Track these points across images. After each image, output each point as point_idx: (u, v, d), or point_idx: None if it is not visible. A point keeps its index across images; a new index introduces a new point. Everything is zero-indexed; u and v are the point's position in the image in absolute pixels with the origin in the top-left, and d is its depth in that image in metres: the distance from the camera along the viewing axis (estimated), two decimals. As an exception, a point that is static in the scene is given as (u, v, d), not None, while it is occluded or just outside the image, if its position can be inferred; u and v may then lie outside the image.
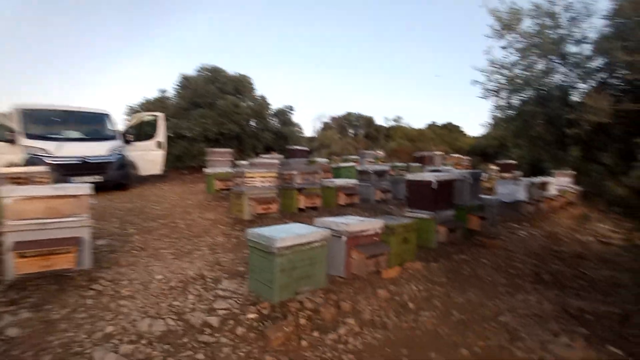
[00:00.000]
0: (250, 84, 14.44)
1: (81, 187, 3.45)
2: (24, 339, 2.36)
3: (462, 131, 30.64)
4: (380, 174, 8.28)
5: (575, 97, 9.40)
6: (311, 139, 21.98)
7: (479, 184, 6.08)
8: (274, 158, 9.40)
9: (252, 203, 5.64)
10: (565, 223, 7.42)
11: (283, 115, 15.03)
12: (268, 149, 13.24)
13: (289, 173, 6.49)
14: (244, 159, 10.73)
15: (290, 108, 15.27)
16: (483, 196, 6.24)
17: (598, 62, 8.89)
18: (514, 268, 4.53)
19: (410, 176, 5.47)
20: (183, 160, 12.03)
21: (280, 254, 2.86)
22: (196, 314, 2.79)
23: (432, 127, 30.21)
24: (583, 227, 7.17)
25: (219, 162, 8.87)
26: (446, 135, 27.91)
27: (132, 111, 13.86)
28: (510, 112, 10.41)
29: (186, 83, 13.71)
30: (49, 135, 7.56)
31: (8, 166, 6.29)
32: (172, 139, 11.59)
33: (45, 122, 7.93)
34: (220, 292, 3.18)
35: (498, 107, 10.39)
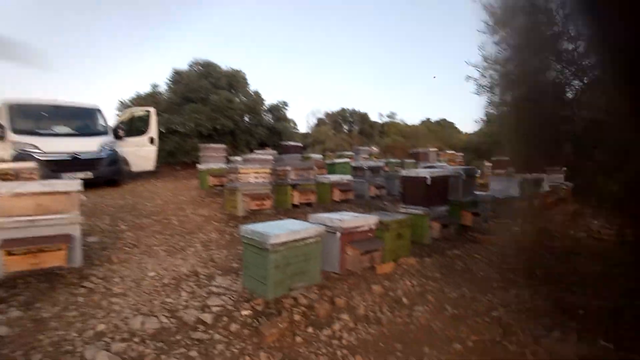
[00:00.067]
0: (244, 79, 14.31)
1: (71, 183, 3.40)
2: (14, 338, 2.32)
3: (456, 127, 30.79)
4: (374, 170, 8.30)
5: (569, 94, 9.46)
6: (305, 135, 21.88)
7: (472, 180, 6.12)
8: (267, 154, 9.34)
9: (246, 199, 5.61)
10: (558, 219, 7.48)
11: (277, 110, 14.93)
12: (262, 145, 13.15)
13: (283, 169, 6.46)
14: (237, 155, 10.67)
15: (285, 104, 15.18)
16: (477, 192, 6.28)
17: (592, 59, 8.94)
18: (507, 263, 4.55)
19: (404, 172, 5.49)
20: (176, 156, 11.90)
21: (275, 250, 2.84)
22: (189, 311, 2.77)
23: (426, 123, 30.29)
24: (575, 223, 7.24)
25: (213, 157, 8.81)
26: (440, 132, 27.99)
27: (124, 106, 13.69)
28: (503, 108, 10.46)
29: (178, 78, 13.52)
30: (38, 131, 7.41)
31: None
32: (165, 135, 11.47)
33: (34, 118, 7.76)
34: (214, 289, 3.16)
35: (492, 104, 10.44)
